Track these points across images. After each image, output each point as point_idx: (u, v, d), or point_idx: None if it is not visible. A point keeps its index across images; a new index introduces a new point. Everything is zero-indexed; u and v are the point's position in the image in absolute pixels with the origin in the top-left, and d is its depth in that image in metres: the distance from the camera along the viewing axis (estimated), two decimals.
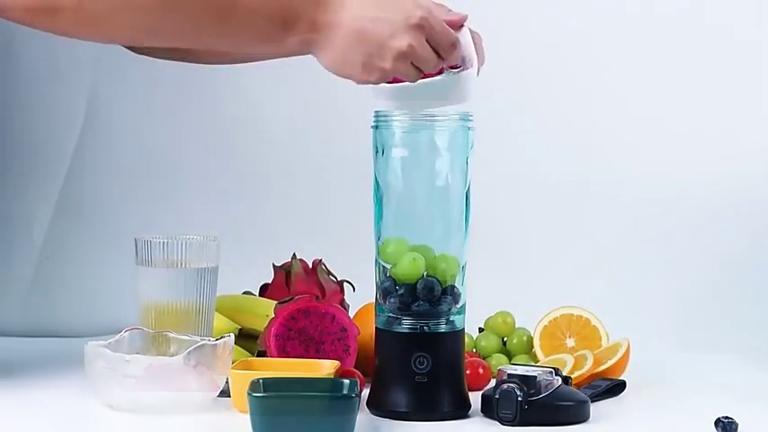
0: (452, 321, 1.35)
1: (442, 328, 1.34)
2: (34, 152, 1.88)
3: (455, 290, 1.35)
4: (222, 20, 1.27)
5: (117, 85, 1.89)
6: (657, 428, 1.34)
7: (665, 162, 1.91)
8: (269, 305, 1.51)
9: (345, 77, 1.31)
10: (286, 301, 1.47)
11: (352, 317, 1.51)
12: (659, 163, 1.91)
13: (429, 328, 1.34)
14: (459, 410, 1.34)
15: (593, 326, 1.60)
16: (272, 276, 1.64)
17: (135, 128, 1.91)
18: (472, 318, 1.42)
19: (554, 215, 1.90)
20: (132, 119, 1.90)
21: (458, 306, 1.35)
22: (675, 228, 1.89)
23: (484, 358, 1.58)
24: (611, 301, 1.72)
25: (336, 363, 1.38)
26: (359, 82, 1.31)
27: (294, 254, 1.64)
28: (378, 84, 1.30)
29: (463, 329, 1.37)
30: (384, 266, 1.36)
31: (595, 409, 1.36)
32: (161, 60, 1.53)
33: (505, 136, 1.85)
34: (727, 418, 1.27)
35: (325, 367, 1.37)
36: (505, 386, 1.31)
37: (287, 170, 1.89)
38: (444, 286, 1.34)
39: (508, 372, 1.33)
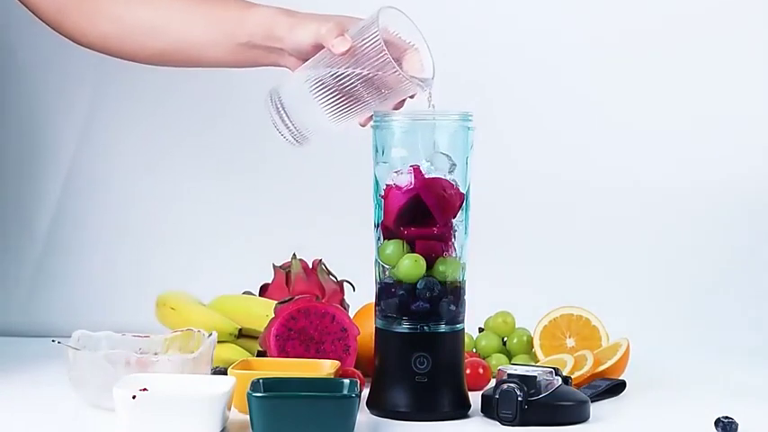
0: (452, 321, 1.35)
1: (442, 328, 1.34)
2: (35, 152, 1.88)
3: (455, 290, 1.35)
4: None
5: (118, 85, 1.89)
6: (657, 428, 1.34)
7: (665, 161, 1.91)
8: (269, 305, 1.51)
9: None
10: (286, 301, 1.47)
11: (352, 317, 1.51)
12: (660, 162, 1.91)
13: (429, 328, 1.34)
14: (459, 410, 1.34)
15: (593, 326, 1.60)
16: (272, 276, 1.64)
17: (135, 127, 1.91)
18: (472, 318, 1.42)
19: (554, 215, 1.89)
20: (132, 118, 1.90)
21: (458, 306, 1.36)
22: (675, 228, 1.89)
23: (484, 358, 1.57)
24: (611, 300, 1.72)
25: (336, 363, 1.38)
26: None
27: (294, 254, 1.64)
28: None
29: (463, 329, 1.37)
30: (384, 266, 1.36)
31: (595, 409, 1.36)
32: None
33: (505, 136, 1.85)
34: (727, 418, 1.27)
35: (325, 367, 1.37)
36: (505, 386, 1.31)
37: (287, 170, 1.89)
38: (444, 286, 1.34)
39: (508, 372, 1.33)
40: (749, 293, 1.86)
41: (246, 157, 1.91)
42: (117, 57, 1.52)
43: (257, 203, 1.89)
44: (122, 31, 1.49)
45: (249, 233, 1.87)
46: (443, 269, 1.34)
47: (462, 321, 1.36)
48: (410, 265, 1.33)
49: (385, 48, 1.31)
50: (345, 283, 1.65)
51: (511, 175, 1.89)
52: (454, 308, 1.35)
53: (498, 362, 1.57)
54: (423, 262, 1.34)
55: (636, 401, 1.44)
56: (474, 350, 1.61)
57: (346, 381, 1.28)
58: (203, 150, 1.91)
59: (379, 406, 1.35)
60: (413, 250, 1.34)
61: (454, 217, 1.35)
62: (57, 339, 1.39)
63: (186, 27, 1.47)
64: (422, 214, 1.34)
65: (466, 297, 1.36)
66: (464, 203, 1.35)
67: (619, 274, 1.86)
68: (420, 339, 1.33)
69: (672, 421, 1.36)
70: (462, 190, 1.35)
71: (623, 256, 1.88)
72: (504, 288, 1.75)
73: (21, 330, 1.80)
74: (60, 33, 1.53)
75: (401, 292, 1.34)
